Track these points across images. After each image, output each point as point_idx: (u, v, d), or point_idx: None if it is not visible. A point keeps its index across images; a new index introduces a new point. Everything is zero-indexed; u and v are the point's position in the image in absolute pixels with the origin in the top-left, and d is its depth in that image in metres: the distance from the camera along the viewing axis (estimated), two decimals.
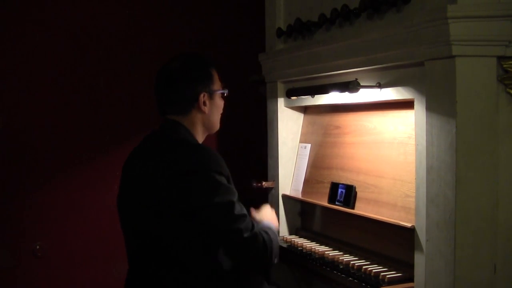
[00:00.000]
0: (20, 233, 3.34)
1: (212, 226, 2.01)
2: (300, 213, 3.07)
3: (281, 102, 3.05)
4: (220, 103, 2.26)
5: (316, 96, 2.76)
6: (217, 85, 2.24)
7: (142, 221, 2.07)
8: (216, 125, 2.28)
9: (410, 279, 2.18)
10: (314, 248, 2.68)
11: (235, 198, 2.06)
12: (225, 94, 2.28)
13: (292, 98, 2.91)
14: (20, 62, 3.33)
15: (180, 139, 2.13)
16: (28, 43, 3.34)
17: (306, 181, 2.92)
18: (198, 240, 2.01)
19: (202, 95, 2.17)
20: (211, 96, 2.20)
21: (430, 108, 2.01)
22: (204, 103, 2.18)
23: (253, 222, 2.11)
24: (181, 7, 3.72)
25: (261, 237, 2.07)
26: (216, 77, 2.24)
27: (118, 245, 2.18)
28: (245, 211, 2.08)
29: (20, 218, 3.34)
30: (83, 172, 3.48)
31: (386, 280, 2.19)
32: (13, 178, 3.33)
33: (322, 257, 2.55)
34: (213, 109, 2.23)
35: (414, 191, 2.14)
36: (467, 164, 1.91)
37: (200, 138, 2.23)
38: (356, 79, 2.38)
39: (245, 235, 2.01)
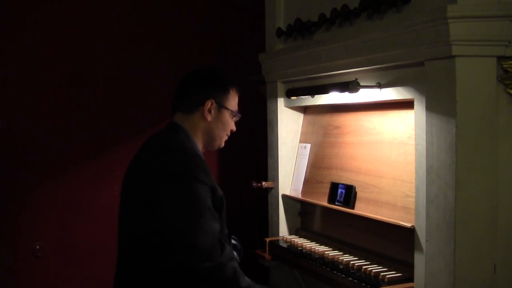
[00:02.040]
0: (20, 233, 3.34)
1: (169, 238, 1.95)
2: (300, 213, 3.07)
3: (281, 102, 3.05)
4: (227, 121, 2.26)
5: (316, 96, 2.76)
6: (230, 104, 2.26)
7: (129, 220, 2.10)
8: (218, 140, 2.28)
9: (410, 279, 2.18)
10: (314, 248, 2.67)
11: (208, 219, 1.97)
12: (234, 117, 2.29)
13: (292, 98, 2.91)
14: (20, 62, 3.33)
15: (174, 142, 2.14)
16: (28, 43, 3.34)
17: (306, 181, 2.92)
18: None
19: (209, 102, 2.20)
20: (219, 108, 2.22)
21: (430, 108, 2.01)
22: (209, 111, 2.20)
23: (223, 244, 2.02)
24: (181, 8, 3.72)
25: (232, 271, 1.97)
26: (232, 97, 2.27)
27: (117, 244, 2.19)
28: (215, 238, 1.97)
29: (20, 218, 3.34)
30: (83, 172, 3.48)
31: (386, 280, 2.19)
32: (13, 178, 3.33)
33: (322, 257, 2.55)
34: (217, 122, 2.23)
35: (414, 191, 2.14)
36: (467, 164, 1.91)
37: (200, 145, 2.24)
38: (356, 79, 2.38)
39: (206, 264, 1.92)
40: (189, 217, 1.95)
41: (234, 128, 2.32)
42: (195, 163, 2.03)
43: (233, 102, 2.28)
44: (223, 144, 2.32)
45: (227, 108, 2.24)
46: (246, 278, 2.05)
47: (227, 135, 2.32)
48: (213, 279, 1.94)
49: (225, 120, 2.25)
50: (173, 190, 1.97)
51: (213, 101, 2.20)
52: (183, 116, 2.22)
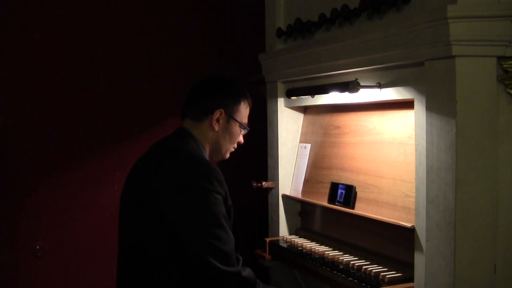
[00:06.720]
0: (20, 233, 3.35)
1: (190, 246, 1.97)
2: (300, 213, 3.07)
3: (281, 102, 3.05)
4: (235, 132, 2.24)
5: (316, 96, 2.76)
6: (240, 115, 2.23)
7: (133, 223, 2.08)
8: (223, 152, 2.26)
9: (410, 279, 2.18)
10: (314, 248, 2.67)
11: (224, 231, 1.99)
12: (242, 130, 2.27)
13: (292, 98, 2.91)
14: (20, 62, 3.33)
15: (184, 149, 2.11)
16: (28, 43, 3.34)
17: (306, 181, 2.92)
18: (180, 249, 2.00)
19: (218, 111, 2.18)
20: (228, 119, 2.20)
21: (430, 108, 2.01)
22: (217, 121, 2.18)
23: (238, 256, 2.07)
24: (181, 8, 3.72)
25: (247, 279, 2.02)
26: (243, 109, 2.25)
27: (117, 245, 2.19)
28: (231, 245, 2.01)
29: (20, 218, 3.34)
30: (83, 172, 3.48)
31: (386, 280, 2.19)
32: (13, 178, 3.33)
33: (322, 257, 2.55)
34: (224, 133, 2.21)
35: (414, 191, 2.14)
36: (467, 164, 1.91)
37: (206, 153, 2.22)
38: (356, 79, 2.38)
39: (224, 268, 1.96)
40: (209, 227, 1.96)
41: (242, 140, 2.30)
42: (209, 173, 2.00)
43: (243, 114, 2.25)
44: (228, 156, 2.29)
45: (235, 120, 2.21)
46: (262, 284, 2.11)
47: (233, 147, 2.29)
48: (235, 283, 1.99)
49: (233, 132, 2.23)
50: (191, 200, 1.96)
51: (223, 111, 2.18)
52: (192, 122, 2.20)
